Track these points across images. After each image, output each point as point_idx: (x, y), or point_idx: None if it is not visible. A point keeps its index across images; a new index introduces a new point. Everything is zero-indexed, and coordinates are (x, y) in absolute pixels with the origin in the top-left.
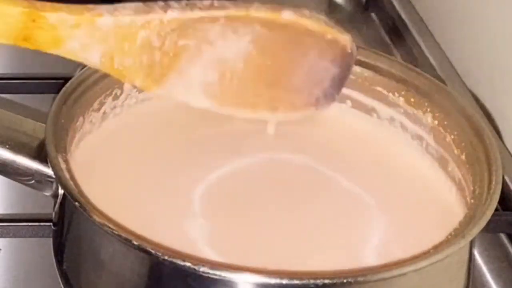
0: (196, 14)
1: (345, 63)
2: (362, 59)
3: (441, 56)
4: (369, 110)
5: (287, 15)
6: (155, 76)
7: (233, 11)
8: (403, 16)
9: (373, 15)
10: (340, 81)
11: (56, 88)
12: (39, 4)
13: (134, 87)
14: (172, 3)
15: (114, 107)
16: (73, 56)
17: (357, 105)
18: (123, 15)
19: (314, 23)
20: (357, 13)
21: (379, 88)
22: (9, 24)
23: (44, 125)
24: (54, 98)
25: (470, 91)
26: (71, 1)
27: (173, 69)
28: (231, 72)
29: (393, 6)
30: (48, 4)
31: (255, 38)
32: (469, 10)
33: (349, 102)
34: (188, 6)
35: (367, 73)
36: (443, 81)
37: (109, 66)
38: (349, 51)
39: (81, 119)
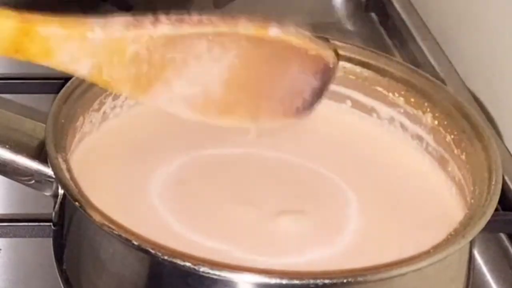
0: (185, 30)
1: (326, 77)
2: (362, 59)
3: (441, 56)
4: (369, 110)
5: (273, 32)
6: (142, 86)
7: (221, 28)
8: (403, 16)
9: (373, 15)
10: (320, 93)
11: (56, 88)
12: (31, 17)
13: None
14: (162, 18)
15: (114, 107)
16: (63, 67)
17: (357, 105)
18: (114, 29)
19: (299, 39)
20: (357, 13)
21: (379, 88)
22: (0, 37)
23: (44, 125)
24: (54, 98)
25: (470, 91)
26: (63, 11)
27: (159, 80)
28: (215, 83)
29: (393, 7)
30: (40, 17)
31: (241, 52)
32: (469, 11)
33: (349, 102)
34: (177, 22)
35: (367, 73)
36: (443, 81)
37: (98, 77)
38: (331, 66)
39: (81, 119)
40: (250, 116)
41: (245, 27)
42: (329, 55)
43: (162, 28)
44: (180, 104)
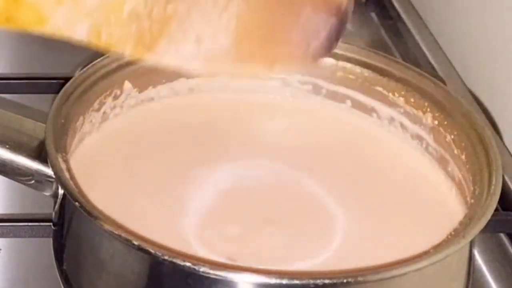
0: None
1: (341, 17)
2: (362, 59)
3: (441, 56)
4: (369, 110)
5: None
6: (146, 43)
7: None
8: (403, 16)
9: (373, 15)
10: (337, 33)
11: (56, 88)
12: None
13: (125, 55)
14: None
15: (114, 107)
16: (58, 34)
17: (357, 105)
18: None
19: None
20: (357, 13)
21: (379, 88)
22: None
23: (44, 125)
24: (54, 98)
25: (470, 91)
26: None
27: (163, 34)
28: (224, 33)
29: (393, 6)
30: None
31: None
32: (469, 10)
33: (349, 102)
34: None
35: (367, 73)
36: (443, 81)
37: (96, 39)
38: (344, 7)
39: (81, 119)
40: (266, 63)
41: None
42: None
43: None
44: (188, 59)
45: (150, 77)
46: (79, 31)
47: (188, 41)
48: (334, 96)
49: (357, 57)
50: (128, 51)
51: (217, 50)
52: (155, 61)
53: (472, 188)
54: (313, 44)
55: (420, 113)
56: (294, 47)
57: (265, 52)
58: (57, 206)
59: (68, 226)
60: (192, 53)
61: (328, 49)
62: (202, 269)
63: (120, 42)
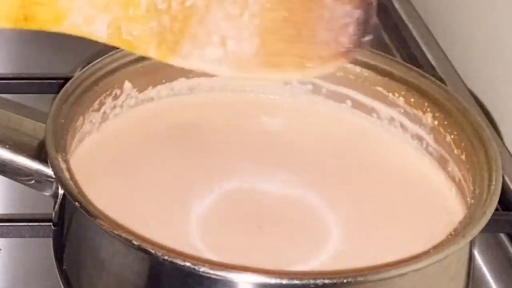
0: None
1: (367, 9)
2: (362, 59)
3: (441, 56)
4: (369, 110)
5: None
6: (169, 44)
7: None
8: (403, 16)
9: None
10: (365, 24)
11: (56, 88)
12: None
13: (149, 57)
14: None
15: (114, 107)
16: (78, 31)
17: (357, 105)
18: None
19: None
20: None
21: (379, 88)
22: (5, 5)
23: (44, 125)
24: (54, 98)
25: (470, 91)
26: None
27: (186, 34)
28: (248, 31)
29: (393, 6)
30: None
31: None
32: (469, 10)
33: (349, 102)
34: None
35: (367, 73)
36: (443, 81)
37: (117, 37)
38: None
39: (81, 119)
40: (296, 64)
41: None
42: None
43: None
44: (215, 63)
45: (150, 77)
46: (98, 28)
47: (213, 43)
48: (334, 96)
49: (357, 57)
50: (152, 52)
51: (243, 53)
52: (180, 64)
53: (472, 188)
54: (342, 40)
55: (420, 113)
56: (322, 44)
57: (293, 52)
58: (57, 206)
59: (68, 226)
60: (218, 57)
61: (358, 44)
62: (202, 269)
63: (142, 42)
